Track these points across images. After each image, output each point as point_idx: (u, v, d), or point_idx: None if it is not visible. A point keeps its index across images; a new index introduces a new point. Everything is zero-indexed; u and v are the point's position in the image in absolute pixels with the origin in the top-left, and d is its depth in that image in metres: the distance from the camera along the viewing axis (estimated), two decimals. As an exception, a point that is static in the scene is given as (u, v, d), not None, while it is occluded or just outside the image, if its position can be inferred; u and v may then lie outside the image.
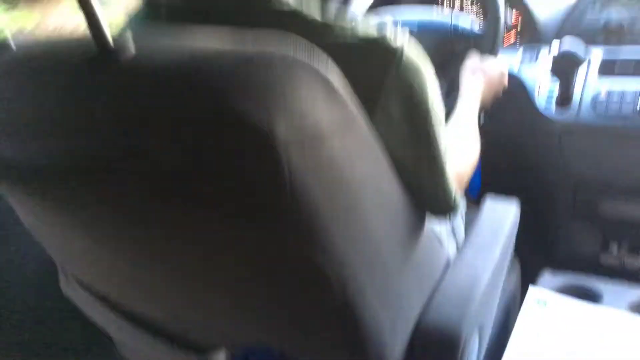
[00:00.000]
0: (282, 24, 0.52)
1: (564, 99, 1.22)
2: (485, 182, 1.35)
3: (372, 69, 0.53)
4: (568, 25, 1.32)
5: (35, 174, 0.48)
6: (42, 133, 0.47)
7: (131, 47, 0.44)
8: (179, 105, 0.39)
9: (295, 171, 0.39)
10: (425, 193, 0.62)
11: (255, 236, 0.44)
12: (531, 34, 1.38)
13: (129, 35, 0.45)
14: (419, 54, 0.56)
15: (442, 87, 1.15)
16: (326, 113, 0.44)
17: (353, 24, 0.55)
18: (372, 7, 1.48)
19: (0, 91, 0.51)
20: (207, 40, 0.45)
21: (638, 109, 1.14)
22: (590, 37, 1.29)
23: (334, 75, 0.45)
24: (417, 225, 0.65)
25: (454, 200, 0.64)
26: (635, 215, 1.33)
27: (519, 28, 1.41)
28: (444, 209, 0.65)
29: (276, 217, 0.42)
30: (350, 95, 0.48)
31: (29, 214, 0.60)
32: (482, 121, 1.15)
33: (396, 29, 0.55)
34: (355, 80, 0.49)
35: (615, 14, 1.28)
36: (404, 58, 0.54)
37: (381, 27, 0.55)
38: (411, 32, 1.17)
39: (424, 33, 1.17)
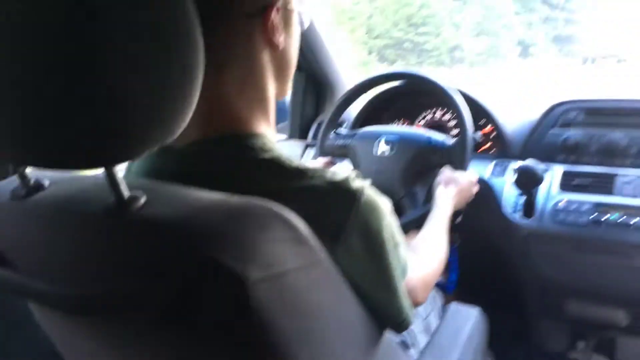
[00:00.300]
0: (263, 169, 0.62)
1: (528, 209, 1.38)
2: (462, 279, 1.48)
3: (337, 209, 0.60)
4: (532, 143, 1.52)
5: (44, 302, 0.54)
6: (55, 274, 0.54)
7: (142, 198, 0.50)
8: (173, 253, 0.47)
9: (262, 303, 0.46)
10: (380, 311, 0.68)
11: (227, 357, 0.51)
12: (502, 147, 1.57)
13: (141, 187, 0.52)
14: (376, 193, 0.64)
15: (419, 194, 1.31)
16: (293, 256, 0.51)
17: (321, 169, 0.63)
18: (358, 124, 1.69)
19: (23, 230, 0.58)
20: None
21: (591, 219, 1.30)
22: (552, 154, 1.48)
23: (301, 221, 0.53)
24: (375, 339, 0.71)
25: (406, 317, 0.71)
26: (600, 316, 1.45)
27: (492, 140, 1.62)
28: (397, 324, 0.71)
29: (245, 342, 0.49)
30: (315, 236, 0.55)
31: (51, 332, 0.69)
32: (458, 219, 1.30)
33: (356, 175, 0.64)
34: (322, 218, 0.57)
35: (574, 133, 1.48)
36: (364, 198, 0.61)
37: (345, 172, 0.65)
38: (393, 143, 1.35)
39: (404, 144, 1.34)
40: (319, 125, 1.82)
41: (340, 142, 1.45)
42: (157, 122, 0.46)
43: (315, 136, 1.83)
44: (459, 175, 1.23)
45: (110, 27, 0.41)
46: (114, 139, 0.45)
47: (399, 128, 1.43)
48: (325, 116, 1.51)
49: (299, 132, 1.90)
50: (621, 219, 1.27)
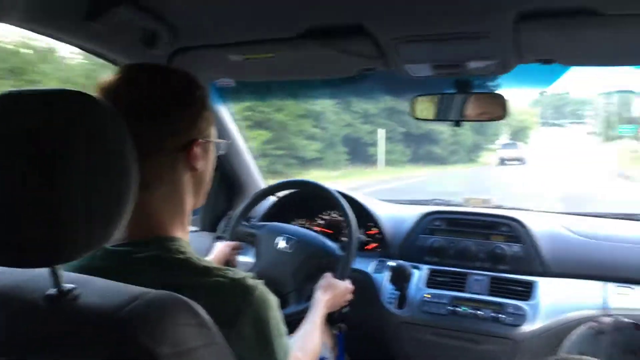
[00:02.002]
0: (178, 267, 0.76)
1: (401, 301, 1.66)
2: None
3: (234, 301, 0.74)
4: (406, 245, 1.84)
5: None
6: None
7: (77, 290, 0.61)
8: (101, 334, 0.58)
9: None
10: None
11: None
12: (384, 248, 1.87)
13: (76, 281, 0.63)
14: (267, 290, 0.79)
15: (304, 291, 1.50)
16: (197, 337, 0.63)
17: (225, 268, 0.77)
18: (266, 219, 1.94)
19: None
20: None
21: (449, 310, 1.59)
22: (421, 256, 1.80)
23: (204, 310, 0.65)
24: None
25: None
26: None
27: (377, 241, 1.91)
28: None
29: None
30: (215, 322, 0.66)
31: None
32: (345, 309, 1.50)
33: (253, 276, 0.79)
34: (222, 308, 0.70)
35: (438, 239, 1.81)
36: (257, 293, 0.75)
37: (245, 271, 0.81)
38: (292, 242, 1.56)
39: (301, 245, 1.55)
40: (229, 219, 2.05)
41: (249, 230, 1.66)
42: (98, 230, 0.60)
43: (225, 229, 2.04)
44: (337, 282, 1.42)
45: (68, 165, 0.57)
46: (63, 243, 0.58)
47: (299, 229, 1.68)
48: (238, 210, 1.74)
49: (209, 225, 2.10)
50: (471, 311, 1.57)
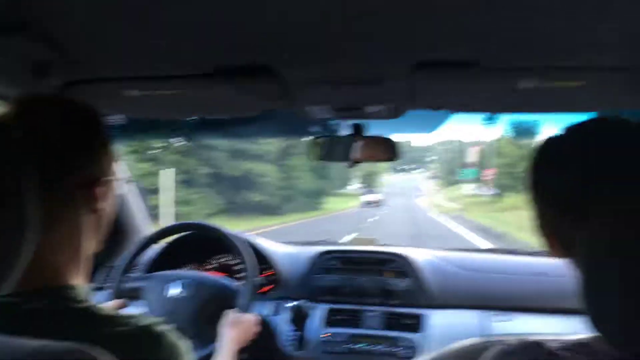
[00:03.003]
0: (78, 318, 0.70)
1: (300, 341, 1.65)
2: None
3: (143, 349, 0.70)
4: (303, 285, 1.84)
5: None
6: None
7: None
8: None
9: None
10: None
11: None
12: (280, 289, 1.85)
13: None
14: (177, 337, 0.75)
15: (207, 334, 1.44)
16: None
17: (130, 315, 0.73)
18: (150, 268, 1.81)
19: None
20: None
21: (347, 347, 1.61)
22: (318, 295, 1.81)
23: (112, 358, 0.63)
24: None
25: None
26: None
27: (272, 283, 1.88)
28: None
29: None
30: None
31: None
32: (244, 356, 1.45)
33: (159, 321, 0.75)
34: (129, 357, 0.66)
35: (333, 278, 1.84)
36: (166, 340, 0.73)
37: (148, 317, 0.76)
38: (185, 286, 1.50)
39: (196, 287, 1.50)
40: (110, 269, 1.87)
41: (133, 284, 1.54)
42: None
43: (105, 280, 1.86)
44: (243, 316, 1.42)
45: None
46: None
47: (191, 272, 1.60)
48: (120, 261, 1.59)
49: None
50: (368, 347, 1.61)
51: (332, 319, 1.72)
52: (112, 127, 1.50)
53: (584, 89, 1.18)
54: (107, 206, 0.81)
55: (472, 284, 1.80)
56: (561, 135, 0.73)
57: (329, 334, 1.66)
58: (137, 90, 1.28)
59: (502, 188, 30.93)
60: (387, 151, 1.62)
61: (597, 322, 0.49)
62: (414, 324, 1.69)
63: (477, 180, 36.35)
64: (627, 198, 0.47)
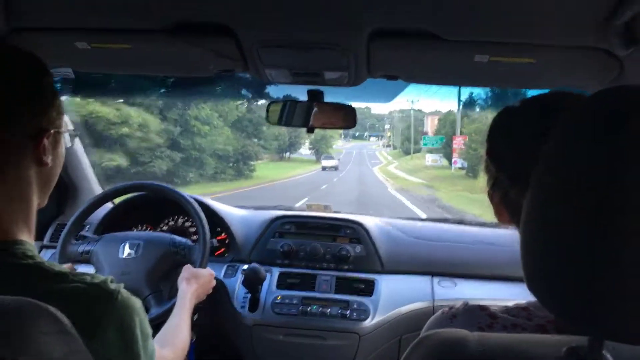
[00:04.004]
0: (28, 274, 0.68)
1: (253, 304, 1.67)
2: None
3: (95, 307, 0.69)
4: (257, 249, 1.85)
5: None
6: None
7: None
8: None
9: None
10: None
11: None
12: (234, 252, 1.85)
13: None
14: (129, 294, 0.74)
15: (164, 291, 1.46)
16: (59, 345, 0.59)
17: (81, 273, 0.71)
18: (101, 229, 1.78)
19: None
20: None
21: (300, 310, 1.65)
22: (272, 259, 1.83)
23: (63, 315, 0.61)
24: None
25: None
26: None
27: (226, 246, 1.89)
28: None
29: None
30: (76, 329, 0.63)
31: None
32: (195, 317, 1.48)
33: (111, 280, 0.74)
34: (83, 315, 0.66)
35: (287, 242, 1.86)
36: (119, 298, 0.71)
37: (100, 275, 0.75)
38: (138, 246, 1.49)
39: (149, 247, 1.49)
40: (58, 226, 1.82)
41: (83, 248, 1.51)
42: None
43: (53, 238, 1.81)
44: (199, 271, 1.44)
45: None
46: None
47: (143, 232, 1.58)
48: (68, 220, 1.55)
49: (35, 233, 1.83)
50: (320, 309, 1.65)
51: (286, 282, 1.75)
52: (61, 80, 1.44)
53: (535, 66, 1.22)
54: (55, 161, 0.79)
55: (421, 251, 1.86)
56: (516, 106, 0.76)
57: (281, 297, 1.69)
58: (87, 43, 1.22)
59: (473, 161, 23.18)
60: (346, 118, 1.62)
61: (530, 284, 0.52)
62: (366, 288, 1.74)
63: (441, 149, 31.59)
64: (559, 167, 0.49)
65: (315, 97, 1.62)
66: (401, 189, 21.18)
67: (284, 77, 1.47)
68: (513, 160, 0.72)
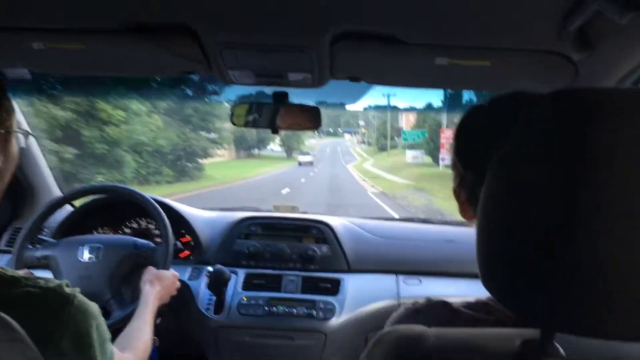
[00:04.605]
0: None
1: (218, 306, 1.66)
2: None
3: (49, 313, 0.67)
4: (222, 250, 1.84)
5: None
6: None
7: None
8: None
9: None
10: None
11: None
12: (199, 254, 1.84)
13: None
14: (85, 299, 0.73)
15: (126, 294, 1.44)
16: (11, 353, 0.58)
17: (35, 277, 0.69)
18: (60, 233, 1.74)
19: None
20: None
21: (266, 311, 1.64)
22: (238, 260, 1.82)
23: (17, 324, 0.60)
24: None
25: None
26: None
27: (191, 248, 1.87)
28: None
29: None
30: (30, 336, 0.61)
31: None
32: (158, 321, 1.46)
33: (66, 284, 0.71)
34: (36, 321, 0.64)
35: (254, 243, 1.85)
36: (75, 303, 0.70)
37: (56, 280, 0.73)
38: (98, 249, 1.46)
39: (109, 250, 1.47)
40: (15, 230, 1.77)
41: (41, 252, 1.48)
42: None
43: (9, 243, 1.76)
44: (162, 272, 1.42)
45: None
46: None
47: (104, 236, 1.55)
48: (25, 224, 1.52)
49: (-10, 237, 1.78)
50: (286, 309, 1.65)
51: (251, 283, 1.74)
52: (13, 80, 1.40)
53: (492, 69, 1.24)
54: (5, 163, 0.78)
55: (387, 250, 1.88)
56: (484, 105, 0.78)
57: (247, 298, 1.69)
58: (42, 43, 1.19)
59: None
60: (311, 120, 1.62)
61: (484, 280, 0.53)
62: (332, 288, 1.74)
63: (423, 144, 28.78)
64: (512, 164, 0.51)
65: (281, 98, 1.62)
66: (383, 194, 16.78)
67: (248, 79, 1.47)
68: (479, 159, 0.73)
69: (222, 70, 1.37)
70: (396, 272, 1.82)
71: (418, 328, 0.60)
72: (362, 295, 1.74)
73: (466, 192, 0.78)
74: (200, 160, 23.56)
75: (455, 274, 1.80)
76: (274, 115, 1.64)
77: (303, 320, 1.65)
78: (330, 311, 1.66)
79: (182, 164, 21.84)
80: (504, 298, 0.51)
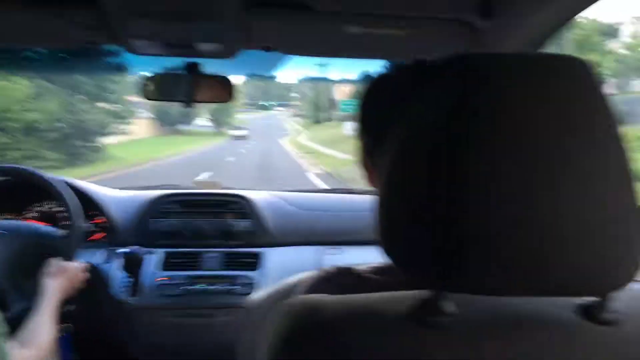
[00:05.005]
0: None
1: (134, 288, 1.60)
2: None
3: None
4: (138, 230, 1.77)
5: None
6: None
7: None
8: None
9: None
10: None
11: None
12: (112, 236, 1.76)
13: None
14: None
15: (27, 286, 1.35)
16: None
17: None
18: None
19: None
20: None
21: (184, 289, 1.61)
22: (155, 240, 1.76)
23: None
24: None
25: None
26: None
27: (104, 230, 1.78)
28: None
29: None
30: None
31: None
32: (69, 308, 1.38)
33: None
34: None
35: (171, 222, 1.80)
36: None
37: None
38: (1, 236, 1.36)
39: (7, 238, 1.36)
40: None
41: None
42: None
43: None
44: (68, 264, 1.34)
45: None
46: None
47: (2, 222, 1.44)
48: None
49: None
50: (206, 287, 1.62)
51: (170, 263, 1.70)
52: None
53: (404, 38, 1.25)
54: None
55: (308, 222, 1.88)
56: (385, 74, 0.77)
57: (165, 278, 1.64)
58: None
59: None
60: (224, 92, 1.57)
61: (380, 242, 0.53)
62: (253, 262, 1.73)
63: None
64: (412, 130, 0.51)
65: (192, 69, 1.56)
66: (329, 175, 14.95)
67: (155, 49, 1.39)
68: (381, 127, 0.73)
69: (127, 40, 1.29)
70: (318, 244, 1.83)
71: (317, 297, 0.60)
72: (284, 268, 1.74)
73: (370, 160, 0.78)
74: (99, 139, 19.35)
75: (376, 241, 1.84)
76: (187, 88, 1.57)
77: (223, 297, 1.63)
78: (250, 286, 1.65)
79: (73, 143, 17.38)
80: (397, 260, 0.52)
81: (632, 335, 0.50)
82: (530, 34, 1.13)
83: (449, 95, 0.48)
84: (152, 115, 33.13)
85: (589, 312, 0.49)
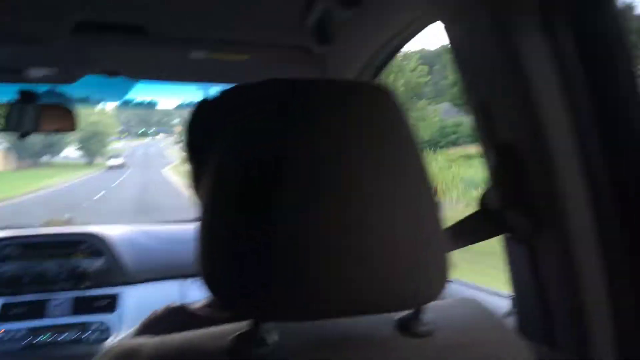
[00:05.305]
0: None
1: None
2: None
3: None
4: None
5: None
6: None
7: None
8: None
9: None
10: None
11: None
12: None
13: None
14: None
15: None
16: None
17: None
18: None
19: None
20: None
21: (25, 344, 1.43)
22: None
23: None
24: None
25: None
26: None
27: None
28: None
29: None
30: None
31: None
32: None
33: None
34: None
35: (10, 267, 1.59)
36: None
37: None
38: None
39: None
40: None
41: None
42: None
43: None
44: None
45: None
46: None
47: None
48: None
49: None
50: (51, 338, 1.46)
51: (8, 314, 1.50)
52: None
53: (248, 63, 1.25)
54: None
55: (169, 255, 1.78)
56: (208, 99, 0.75)
57: (4, 332, 1.44)
58: None
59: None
60: (66, 121, 1.46)
61: (203, 278, 0.50)
62: (109, 304, 1.59)
63: None
64: (223, 157, 0.50)
65: (29, 97, 1.42)
66: None
67: None
68: (201, 149, 0.71)
69: None
70: (181, 277, 1.74)
71: (135, 342, 0.56)
72: (146, 306, 1.60)
73: (196, 186, 0.75)
74: None
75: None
76: (22, 117, 1.43)
77: (73, 347, 1.47)
78: (105, 331, 1.51)
79: None
80: (215, 291, 0.49)
81: (442, 345, 0.51)
82: (369, 60, 1.18)
83: (259, 120, 0.47)
84: (7, 146, 28.54)
85: (405, 326, 0.51)
